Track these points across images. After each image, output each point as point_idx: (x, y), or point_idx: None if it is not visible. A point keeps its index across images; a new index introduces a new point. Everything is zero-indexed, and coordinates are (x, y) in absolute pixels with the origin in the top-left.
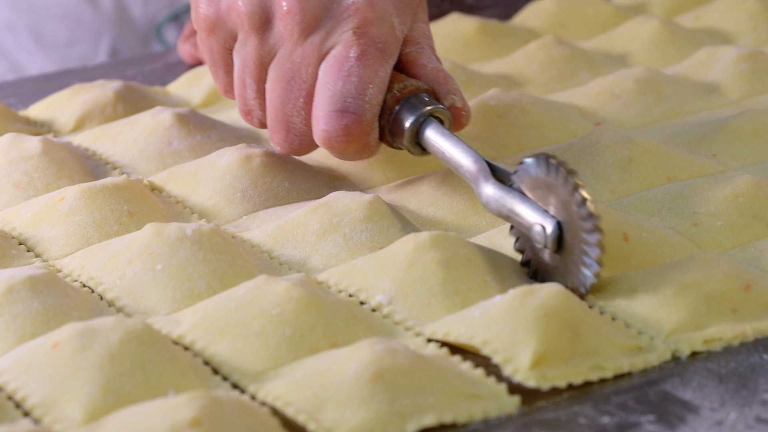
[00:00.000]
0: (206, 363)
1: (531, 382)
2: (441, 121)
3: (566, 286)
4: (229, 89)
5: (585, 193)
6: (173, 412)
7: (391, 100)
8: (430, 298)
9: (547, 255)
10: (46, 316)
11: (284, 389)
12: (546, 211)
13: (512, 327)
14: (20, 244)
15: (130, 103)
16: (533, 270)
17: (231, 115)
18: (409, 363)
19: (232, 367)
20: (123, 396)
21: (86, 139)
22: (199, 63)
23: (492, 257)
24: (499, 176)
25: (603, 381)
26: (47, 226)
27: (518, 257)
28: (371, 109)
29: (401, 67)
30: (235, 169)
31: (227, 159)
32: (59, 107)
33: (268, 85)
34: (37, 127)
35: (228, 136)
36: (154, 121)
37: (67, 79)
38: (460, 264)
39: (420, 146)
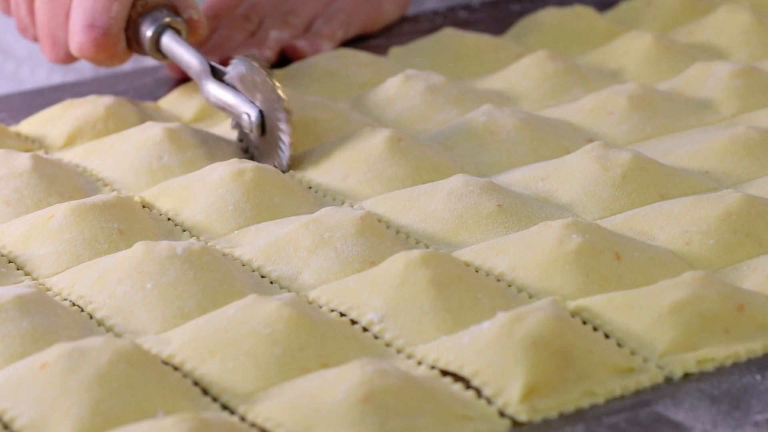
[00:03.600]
0: (196, 383)
1: (522, 416)
2: (179, 32)
3: (273, 165)
4: (7, 9)
5: (279, 89)
6: None
7: (134, 14)
8: (421, 316)
9: (255, 138)
10: (35, 336)
11: (274, 410)
12: (252, 102)
13: (501, 358)
14: (9, 262)
15: (121, 119)
16: (250, 153)
17: (222, 129)
18: (399, 384)
19: (221, 388)
20: (112, 417)
21: (77, 155)
22: (186, 77)
23: (482, 274)
24: (219, 75)
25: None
26: (37, 243)
27: (505, 273)
28: (116, 23)
29: None
30: (227, 183)
31: (219, 173)
32: (50, 123)
33: (36, 5)
34: (27, 143)
35: (219, 151)
36: (145, 136)
37: (59, 95)
38: (451, 282)
39: (161, 53)
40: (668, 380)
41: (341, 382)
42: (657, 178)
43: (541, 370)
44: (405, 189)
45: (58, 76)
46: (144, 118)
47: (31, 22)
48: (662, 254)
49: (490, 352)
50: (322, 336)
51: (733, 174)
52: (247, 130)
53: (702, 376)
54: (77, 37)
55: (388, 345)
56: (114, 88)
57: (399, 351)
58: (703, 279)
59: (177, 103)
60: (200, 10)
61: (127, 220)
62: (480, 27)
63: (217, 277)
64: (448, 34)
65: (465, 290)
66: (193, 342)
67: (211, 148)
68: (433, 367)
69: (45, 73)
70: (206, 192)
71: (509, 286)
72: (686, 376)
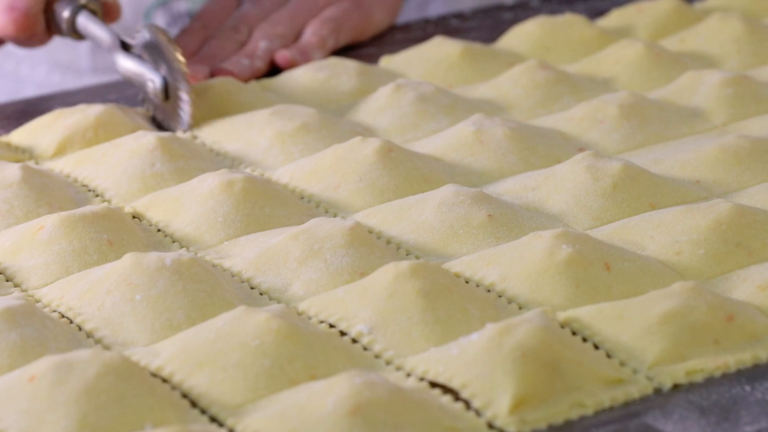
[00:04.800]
0: (184, 396)
1: (511, 428)
2: (96, 13)
3: (175, 128)
4: None
5: (179, 56)
6: None
7: None
8: (410, 327)
9: (159, 103)
10: (24, 348)
11: (263, 423)
12: (156, 70)
13: (490, 370)
14: None
15: (111, 127)
16: (154, 117)
17: (212, 136)
18: (388, 396)
19: (210, 400)
20: (100, 430)
21: (68, 163)
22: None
23: (472, 285)
24: (127, 46)
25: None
26: (26, 255)
27: (495, 284)
28: (36, 5)
29: None
30: (216, 194)
31: (209, 184)
32: (40, 132)
33: None
34: (18, 153)
35: (210, 162)
36: (138, 144)
37: (49, 104)
38: (440, 293)
39: (78, 33)
40: (657, 391)
41: (330, 394)
42: (647, 187)
43: (530, 382)
44: (396, 200)
45: (57, 74)
46: (134, 126)
47: None
48: (652, 264)
49: (479, 364)
50: (311, 348)
51: (724, 183)
52: (151, 96)
53: (691, 387)
54: None
55: (377, 357)
56: (104, 97)
57: (388, 363)
58: (692, 289)
59: None
60: None
61: (117, 231)
62: (471, 35)
63: (206, 289)
64: (439, 42)
65: (454, 301)
66: (182, 354)
67: (203, 158)
68: (422, 379)
69: (44, 72)
70: (196, 203)
71: (499, 296)
72: (675, 387)
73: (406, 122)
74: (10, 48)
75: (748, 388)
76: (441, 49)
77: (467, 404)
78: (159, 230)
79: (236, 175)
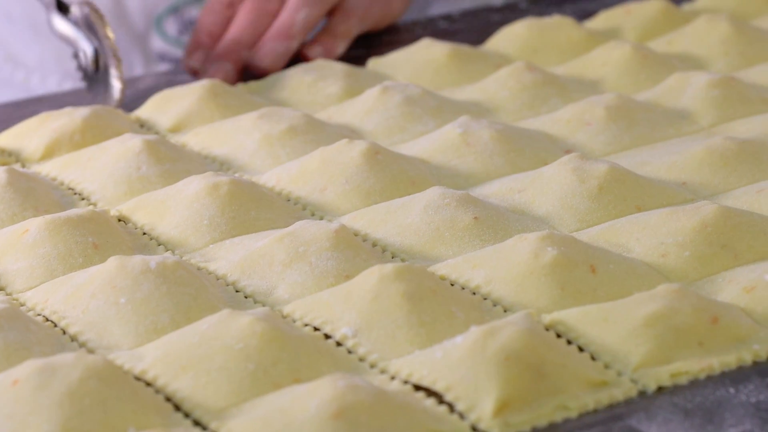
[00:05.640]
0: (168, 399)
1: (495, 431)
2: None
3: (105, 103)
4: None
5: (110, 33)
6: None
7: None
8: (394, 330)
9: (91, 72)
10: (7, 352)
11: (246, 426)
12: (89, 40)
13: (474, 373)
14: None
15: (98, 130)
16: (88, 84)
17: (200, 140)
18: (371, 399)
19: (194, 404)
20: None
21: (55, 167)
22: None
23: (458, 287)
24: (64, 7)
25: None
26: (11, 258)
27: (480, 286)
28: None
29: None
30: (202, 197)
31: (195, 187)
32: (27, 135)
33: None
34: (4, 156)
35: (197, 165)
36: (124, 148)
37: (36, 107)
38: (425, 296)
39: None
40: (642, 394)
41: (313, 397)
42: (634, 189)
43: (514, 385)
44: (382, 203)
45: (68, 84)
46: (121, 129)
47: None
48: (637, 267)
49: (462, 367)
50: (295, 351)
51: (711, 185)
52: (83, 66)
53: (675, 389)
54: None
55: (361, 359)
56: (91, 100)
57: (372, 366)
58: (677, 292)
59: (154, 113)
60: None
61: (102, 235)
62: (460, 37)
63: (191, 292)
64: (427, 44)
65: (439, 304)
66: (166, 358)
67: (190, 161)
68: (406, 382)
69: (56, 82)
70: (182, 206)
71: (485, 299)
72: (660, 389)
73: (393, 124)
74: (21, 59)
75: (732, 390)
76: (428, 51)
77: (451, 407)
78: (144, 233)
79: (222, 178)
